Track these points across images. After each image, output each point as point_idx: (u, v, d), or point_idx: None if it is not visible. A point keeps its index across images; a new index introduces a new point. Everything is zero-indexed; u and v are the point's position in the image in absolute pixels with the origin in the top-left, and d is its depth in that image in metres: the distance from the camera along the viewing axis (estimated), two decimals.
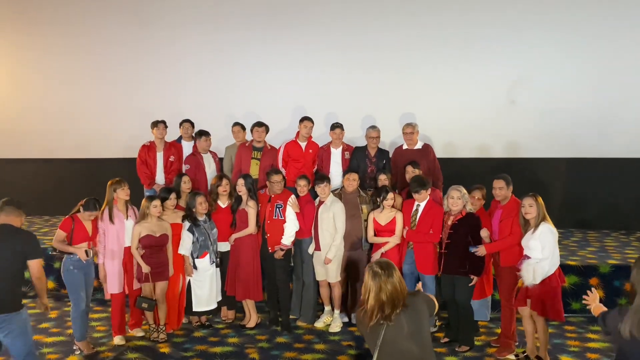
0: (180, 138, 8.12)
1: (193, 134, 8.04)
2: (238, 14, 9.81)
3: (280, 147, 7.70)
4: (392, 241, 6.28)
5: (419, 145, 7.45)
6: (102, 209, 6.13)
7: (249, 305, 6.75)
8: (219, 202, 6.71)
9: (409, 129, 7.41)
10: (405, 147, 7.51)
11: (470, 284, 5.81)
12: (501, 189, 5.91)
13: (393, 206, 6.40)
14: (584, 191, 8.86)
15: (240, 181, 6.60)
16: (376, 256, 6.22)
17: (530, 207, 5.41)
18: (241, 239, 6.60)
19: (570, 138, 8.91)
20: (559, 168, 8.95)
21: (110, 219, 6.14)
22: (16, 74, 10.89)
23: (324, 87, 9.46)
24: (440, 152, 8.60)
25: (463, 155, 9.18)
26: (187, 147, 8.03)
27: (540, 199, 5.46)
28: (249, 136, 7.88)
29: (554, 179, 8.62)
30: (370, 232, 6.42)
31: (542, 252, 5.32)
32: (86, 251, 5.80)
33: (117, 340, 6.29)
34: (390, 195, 6.31)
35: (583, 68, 8.90)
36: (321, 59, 9.53)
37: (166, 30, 10.10)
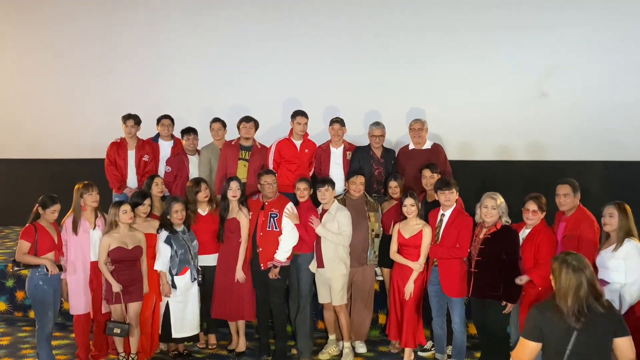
0: (157, 136, 8.01)
1: (173, 133, 7.97)
2: None
3: (271, 147, 7.57)
4: (417, 269, 6.00)
5: (427, 145, 7.39)
6: (66, 216, 6.12)
7: (240, 327, 6.68)
8: (199, 210, 6.61)
9: (418, 125, 7.35)
10: (411, 146, 7.43)
11: (504, 312, 5.61)
12: (567, 196, 5.68)
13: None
14: (625, 199, 8.50)
15: (235, 184, 6.50)
16: (408, 290, 5.99)
17: (611, 217, 5.13)
18: (232, 251, 6.48)
19: (608, 138, 8.65)
20: (595, 172, 8.67)
21: (74, 229, 6.07)
22: None
23: (322, 77, 9.28)
24: (454, 154, 8.63)
25: (482, 158, 9.02)
26: (165, 148, 7.93)
27: (627, 208, 5.18)
28: (229, 135, 7.79)
29: (590, 185, 8.01)
30: (394, 247, 6.18)
31: (627, 274, 4.99)
32: (58, 266, 5.86)
33: None
34: (410, 200, 6.06)
35: (626, 57, 8.64)
36: (319, 46, 9.37)
37: (140, 11, 9.97)
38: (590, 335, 3.67)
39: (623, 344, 3.74)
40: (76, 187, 6.16)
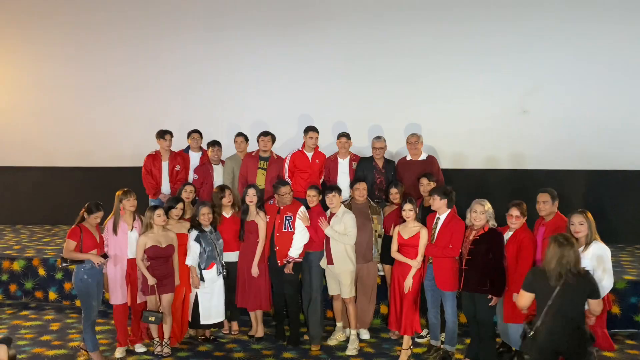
0: (188, 148, 7.99)
1: (201, 145, 7.93)
2: (245, 24, 9.64)
3: (286, 158, 7.52)
4: (415, 266, 5.91)
5: (423, 157, 7.31)
6: (107, 218, 6.11)
7: (258, 316, 6.63)
8: (223, 213, 6.58)
9: (414, 139, 7.28)
10: (409, 158, 7.35)
11: (490, 304, 5.52)
12: (545, 203, 5.64)
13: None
14: (597, 204, 8.35)
15: (252, 191, 6.47)
16: (407, 284, 5.91)
17: (581, 225, 5.04)
18: (250, 249, 6.45)
19: (583, 149, 8.63)
20: (571, 180, 8.61)
21: (114, 229, 6.07)
22: (18, 81, 10.71)
23: (331, 96, 9.24)
24: (448, 163, 8.64)
25: (472, 167, 8.94)
26: (194, 158, 7.91)
27: (590, 215, 5.11)
28: (250, 148, 7.75)
29: (566, 191, 7.85)
30: (394, 246, 6.09)
31: (595, 273, 4.84)
32: (103, 256, 5.85)
33: (119, 353, 6.16)
34: (409, 206, 5.96)
35: (597, 78, 8.62)
36: (328, 68, 9.32)
37: (171, 39, 9.96)
38: (567, 293, 4.29)
39: (594, 303, 4.43)
40: (117, 193, 6.14)
